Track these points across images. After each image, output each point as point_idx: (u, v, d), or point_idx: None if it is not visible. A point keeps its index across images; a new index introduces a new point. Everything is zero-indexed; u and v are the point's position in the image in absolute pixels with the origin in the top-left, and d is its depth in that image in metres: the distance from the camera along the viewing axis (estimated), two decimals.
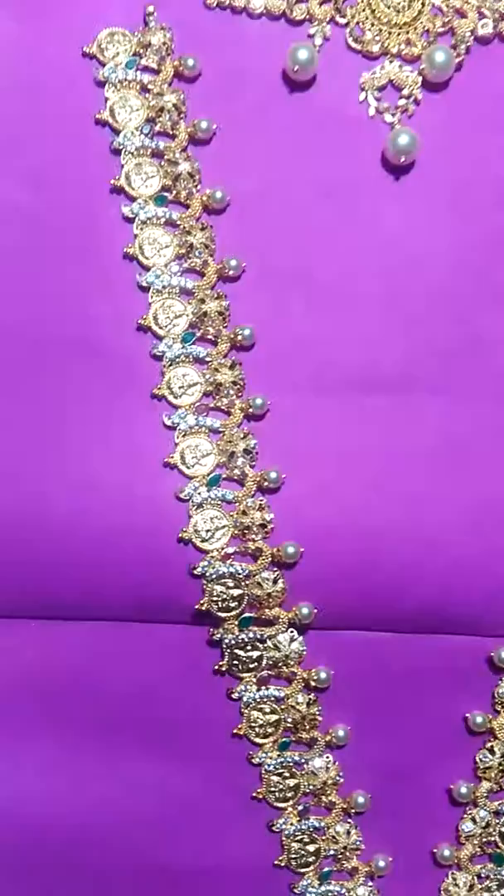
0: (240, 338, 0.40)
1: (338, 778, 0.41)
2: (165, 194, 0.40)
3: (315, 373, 0.40)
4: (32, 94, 0.40)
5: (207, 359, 0.40)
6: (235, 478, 0.40)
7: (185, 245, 0.40)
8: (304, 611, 0.39)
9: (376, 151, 0.40)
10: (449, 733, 0.42)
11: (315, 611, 0.40)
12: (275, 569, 0.39)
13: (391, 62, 0.40)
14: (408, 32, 0.40)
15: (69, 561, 0.39)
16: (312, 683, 0.40)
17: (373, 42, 0.40)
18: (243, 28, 0.40)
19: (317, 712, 0.40)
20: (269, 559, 0.39)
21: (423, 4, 0.40)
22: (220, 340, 0.40)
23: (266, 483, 0.39)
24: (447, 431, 0.40)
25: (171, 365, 0.40)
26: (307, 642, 0.40)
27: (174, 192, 0.40)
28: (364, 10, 0.40)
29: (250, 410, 0.39)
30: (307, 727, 0.41)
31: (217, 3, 0.40)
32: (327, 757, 0.41)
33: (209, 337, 0.40)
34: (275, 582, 0.39)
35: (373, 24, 0.40)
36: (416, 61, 0.40)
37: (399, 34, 0.40)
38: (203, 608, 0.39)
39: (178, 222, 0.40)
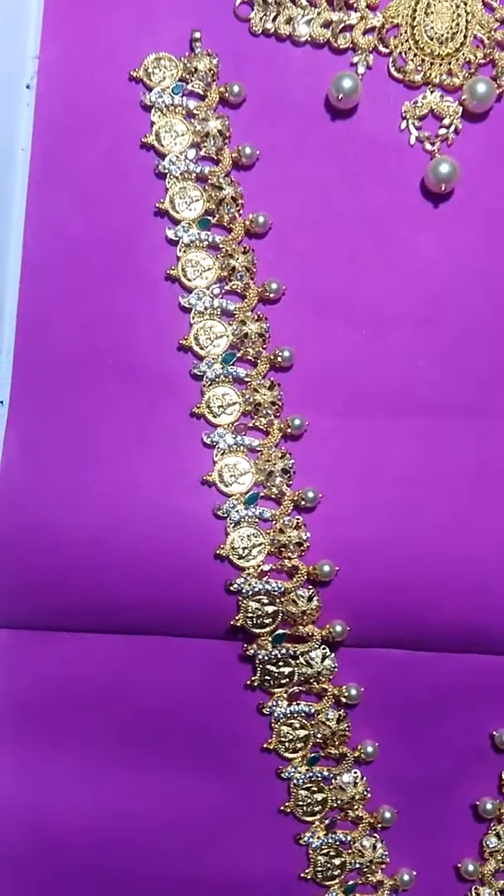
0: (279, 359, 0.39)
1: (365, 793, 0.41)
2: (209, 218, 0.40)
3: (352, 394, 0.40)
4: (80, 117, 0.40)
5: (247, 379, 0.40)
6: (273, 496, 0.39)
7: (226, 268, 0.40)
8: (338, 628, 0.39)
9: (415, 179, 0.40)
10: (475, 750, 0.41)
11: (348, 629, 0.39)
12: (310, 587, 0.39)
13: (433, 92, 0.40)
14: (450, 63, 0.40)
15: (106, 574, 0.39)
16: (343, 700, 0.40)
17: (415, 72, 0.40)
18: (288, 55, 0.40)
19: (346, 728, 0.40)
20: (305, 577, 0.39)
21: (465, 36, 0.40)
22: (259, 361, 0.40)
23: (303, 502, 0.39)
24: (481, 455, 0.40)
25: (210, 384, 0.40)
26: (338, 659, 0.40)
27: (217, 216, 0.40)
28: (407, 41, 0.40)
29: (288, 430, 0.39)
30: (336, 743, 0.40)
31: (262, 31, 0.40)
32: (355, 772, 0.41)
33: (249, 358, 0.40)
34: (310, 599, 0.39)
35: (415, 55, 0.40)
36: (457, 91, 0.40)
37: (441, 65, 0.40)
38: (238, 624, 0.39)
39: (221, 245, 0.40)
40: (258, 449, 0.39)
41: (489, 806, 0.40)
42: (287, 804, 0.41)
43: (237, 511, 0.39)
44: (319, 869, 0.41)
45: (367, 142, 0.40)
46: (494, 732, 0.40)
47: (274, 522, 0.39)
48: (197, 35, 0.39)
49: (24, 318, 0.40)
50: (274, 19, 0.40)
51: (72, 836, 0.41)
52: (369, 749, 0.40)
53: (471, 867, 0.41)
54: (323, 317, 0.40)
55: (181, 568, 0.39)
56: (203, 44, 0.39)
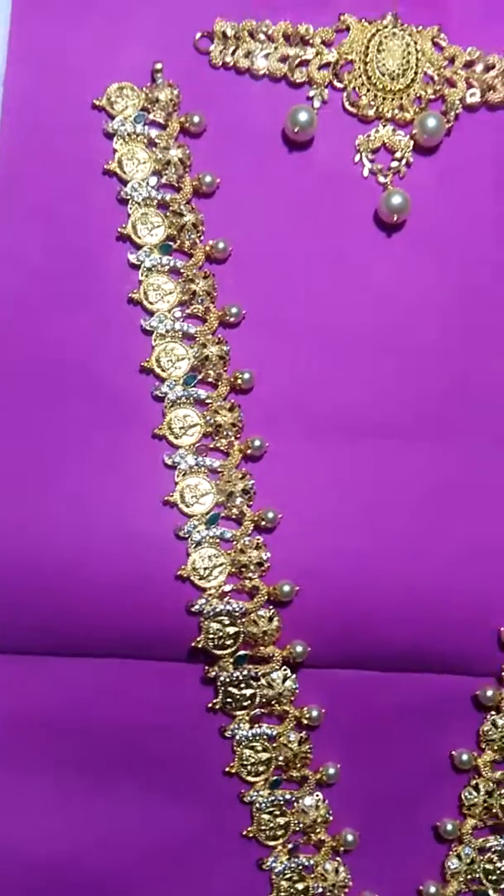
0: (239, 381, 0.38)
1: (328, 816, 0.39)
2: (170, 243, 0.39)
3: (311, 416, 0.39)
4: (44, 142, 0.39)
5: (208, 401, 0.38)
6: (233, 517, 0.38)
7: (187, 292, 0.38)
8: (298, 649, 0.37)
9: (369, 210, 0.40)
10: (435, 771, 0.40)
11: (309, 649, 0.37)
12: (270, 607, 0.37)
13: (385, 126, 0.40)
14: (401, 98, 0.40)
15: (66, 597, 0.37)
16: (304, 721, 0.38)
17: (368, 106, 0.40)
18: (246, 88, 0.40)
19: (308, 750, 0.38)
20: (266, 597, 0.37)
21: (415, 73, 0.39)
22: (220, 383, 0.38)
23: (263, 522, 0.38)
24: (436, 476, 0.39)
25: (172, 406, 0.38)
26: (299, 680, 0.38)
27: (178, 241, 0.39)
28: (360, 76, 0.40)
29: (249, 451, 0.38)
30: (298, 765, 0.38)
31: (222, 64, 0.39)
32: (317, 795, 0.39)
33: (210, 380, 0.39)
34: (270, 620, 0.37)
35: (368, 90, 0.40)
36: (408, 126, 0.40)
37: (393, 100, 0.40)
38: (200, 645, 0.37)
39: (182, 270, 0.39)
40: (219, 470, 0.38)
41: (449, 827, 0.39)
42: (250, 829, 0.38)
43: (198, 531, 0.37)
44: (283, 894, 0.38)
45: (323, 173, 0.39)
46: (453, 752, 0.39)
47: (235, 543, 0.37)
48: (158, 66, 0.38)
49: None
50: (233, 53, 0.39)
51: (33, 865, 0.38)
52: (331, 771, 0.39)
53: (432, 889, 0.39)
54: (283, 340, 0.39)
55: (143, 589, 0.37)
56: (164, 74, 0.38)
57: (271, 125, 0.39)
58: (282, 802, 0.38)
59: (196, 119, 0.38)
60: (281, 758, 0.38)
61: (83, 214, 0.38)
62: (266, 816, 0.38)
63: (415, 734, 0.39)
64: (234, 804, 0.39)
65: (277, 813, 0.38)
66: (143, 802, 0.39)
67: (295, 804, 0.39)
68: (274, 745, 0.38)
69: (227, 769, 0.38)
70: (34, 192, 0.38)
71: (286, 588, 0.37)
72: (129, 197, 0.38)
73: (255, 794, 0.38)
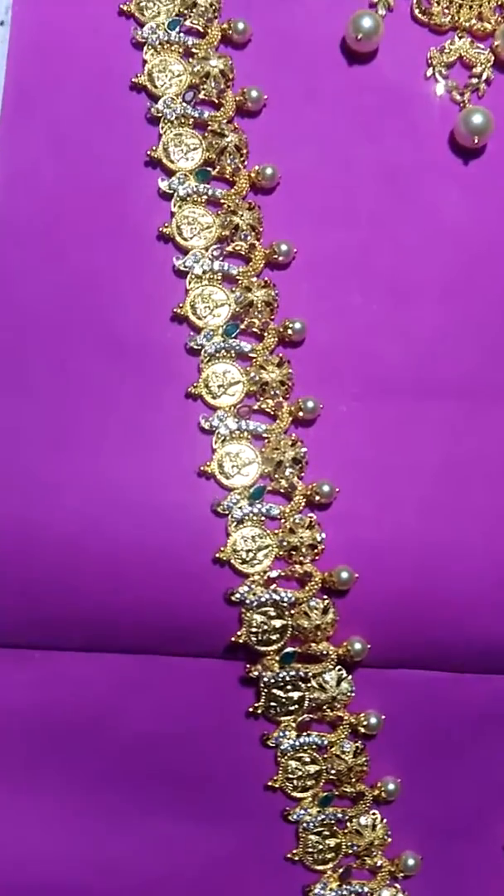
0: (289, 332, 0.31)
1: (385, 837, 0.32)
2: (208, 169, 0.32)
3: (371, 373, 0.32)
4: (61, 54, 0.32)
5: (252, 354, 0.31)
6: (282, 491, 0.31)
7: (229, 226, 0.31)
8: (357, 646, 0.31)
9: (443, 133, 0.33)
10: None
11: (368, 646, 0.31)
12: (324, 596, 0.31)
13: (461, 38, 0.33)
14: (480, 6, 0.33)
15: (85, 582, 0.31)
16: (361, 730, 0.32)
17: (441, 15, 0.33)
18: None
19: (364, 763, 0.31)
20: (319, 585, 0.30)
21: None
22: (266, 334, 0.31)
23: (317, 497, 0.31)
24: None
25: (209, 360, 0.31)
26: (355, 682, 0.31)
27: (218, 166, 0.32)
28: None
29: (300, 414, 0.31)
30: (353, 780, 0.32)
31: None
32: (374, 813, 0.32)
33: (254, 330, 0.32)
34: (325, 612, 0.30)
35: None
36: (488, 38, 0.33)
37: (471, 7, 0.33)
38: (240, 641, 0.30)
39: (222, 200, 0.32)
40: (265, 435, 0.31)
41: None
42: (295, 851, 0.32)
43: (240, 507, 0.31)
44: None
45: (388, 90, 0.33)
46: None
47: (283, 521, 0.31)
48: None
49: None
50: None
51: (49, 885, 0.32)
52: (390, 786, 0.32)
53: None
54: (338, 284, 0.32)
55: (174, 574, 0.30)
56: None
57: (328, 35, 0.33)
58: (333, 822, 0.32)
59: (240, 26, 0.32)
60: (333, 771, 0.32)
61: (106, 136, 0.32)
62: (314, 837, 0.32)
63: (489, 743, 0.33)
64: (278, 823, 0.33)
65: (327, 833, 0.32)
66: (169, 821, 0.33)
67: (348, 824, 0.32)
68: (325, 756, 0.32)
69: (269, 783, 0.32)
70: (48, 111, 0.31)
71: (344, 574, 0.30)
72: (160, 115, 0.32)
73: (302, 811, 0.32)
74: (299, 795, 0.32)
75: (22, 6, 0.32)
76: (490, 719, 0.33)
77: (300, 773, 0.32)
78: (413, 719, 0.33)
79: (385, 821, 0.33)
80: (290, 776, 0.32)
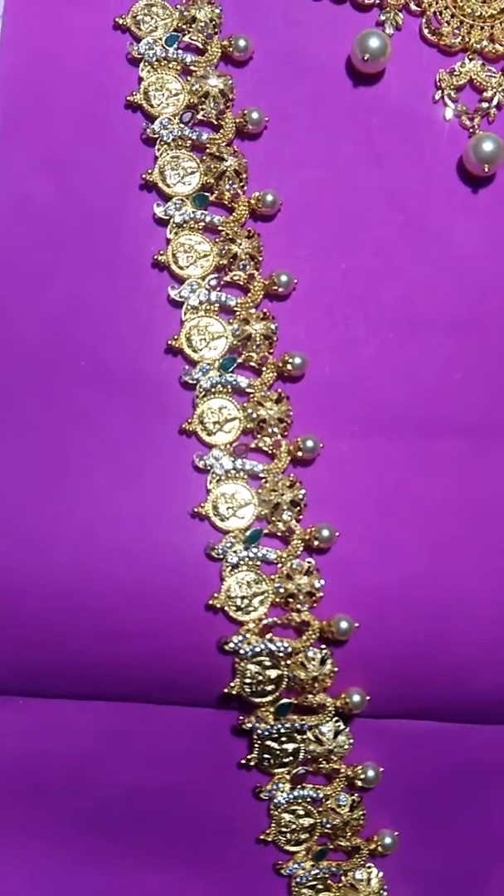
0: (289, 367, 0.29)
1: (382, 892, 0.30)
2: (206, 194, 0.29)
3: (375, 411, 0.29)
4: (53, 69, 0.29)
5: (249, 390, 0.29)
6: (279, 534, 0.28)
7: (226, 255, 0.29)
8: (356, 698, 0.28)
9: (452, 159, 0.30)
10: None
11: (368, 698, 0.28)
12: (322, 646, 0.28)
13: (472, 60, 0.30)
14: (492, 27, 0.30)
15: (74, 627, 0.28)
16: (357, 783, 0.29)
17: (452, 35, 0.30)
18: (304, 8, 0.30)
19: (361, 816, 0.29)
20: (317, 635, 0.28)
21: None
22: (264, 369, 0.29)
23: (315, 542, 0.28)
24: None
25: (205, 395, 0.29)
26: (352, 732, 0.29)
27: (216, 192, 0.29)
28: None
29: (299, 453, 0.28)
30: (348, 833, 0.29)
31: None
32: (370, 867, 0.30)
33: (252, 364, 0.29)
34: (322, 663, 0.28)
35: (453, 15, 0.30)
36: (500, 61, 0.30)
37: (483, 28, 0.30)
38: (233, 692, 0.27)
39: (220, 228, 0.29)
40: (262, 475, 0.28)
41: None
42: None
43: (235, 551, 0.28)
44: None
45: (395, 113, 0.30)
46: None
47: (280, 566, 0.28)
48: None
49: None
50: None
51: None
52: (387, 840, 0.30)
53: None
54: (340, 317, 0.30)
55: (166, 621, 0.28)
56: None
57: (333, 54, 0.30)
58: (327, 876, 0.30)
59: (241, 43, 0.29)
60: (328, 824, 0.29)
61: (100, 157, 0.29)
62: (307, 892, 0.30)
63: (487, 796, 0.31)
64: (269, 877, 0.30)
65: (321, 888, 0.31)
66: (159, 872, 0.30)
67: (343, 878, 0.30)
68: (319, 809, 0.29)
69: (262, 836, 0.29)
70: (42, 129, 0.29)
71: (343, 624, 0.28)
72: (156, 136, 0.29)
73: (295, 865, 0.30)
74: (292, 849, 0.30)
75: (13, 17, 0.30)
76: (491, 770, 0.31)
77: (294, 826, 0.30)
78: (412, 770, 0.31)
79: (381, 874, 0.31)
80: (284, 829, 0.30)
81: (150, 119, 0.30)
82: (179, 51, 0.30)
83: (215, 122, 0.30)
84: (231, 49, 0.30)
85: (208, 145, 0.30)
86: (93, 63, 0.30)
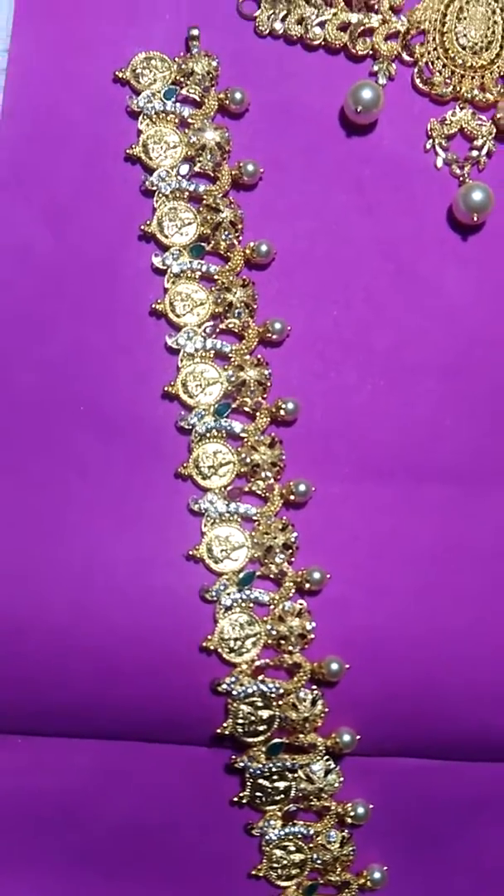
0: (282, 412, 0.29)
1: None
2: (203, 244, 0.30)
3: (366, 456, 0.30)
4: (54, 121, 0.30)
5: (243, 435, 0.29)
6: (271, 576, 0.29)
7: (222, 303, 0.29)
8: (346, 738, 0.28)
9: (442, 207, 0.30)
10: (498, 873, 0.30)
11: (358, 738, 0.28)
12: (314, 687, 0.28)
13: (463, 108, 0.31)
14: (482, 77, 0.30)
15: (70, 667, 0.29)
16: (348, 820, 0.29)
17: (443, 85, 0.30)
18: (298, 61, 0.30)
19: (350, 852, 0.29)
20: (308, 676, 0.28)
21: (500, 46, 0.30)
22: (258, 414, 0.29)
23: (307, 584, 0.29)
24: None
25: (200, 440, 0.29)
26: (343, 770, 0.29)
27: (213, 242, 0.30)
28: (435, 49, 0.30)
29: (291, 497, 0.29)
30: (338, 869, 0.29)
31: (270, 31, 0.30)
32: None
33: (246, 409, 0.30)
34: (313, 703, 0.28)
35: (444, 65, 0.30)
36: (490, 109, 0.30)
37: (473, 78, 0.30)
38: (226, 731, 0.28)
39: (216, 277, 0.30)
40: (255, 518, 0.29)
41: None
42: None
43: (229, 593, 0.28)
44: None
45: (387, 162, 0.30)
46: None
47: (272, 608, 0.28)
48: (195, 32, 0.29)
49: None
50: (283, 19, 0.30)
51: None
52: (376, 875, 0.30)
53: None
54: (333, 363, 0.30)
55: (160, 661, 0.28)
56: (201, 43, 0.29)
57: (327, 105, 0.31)
58: None
59: (238, 96, 0.30)
60: (318, 860, 0.29)
61: (100, 208, 0.30)
62: None
63: (476, 832, 0.31)
64: None
65: None
66: None
67: None
68: (310, 845, 0.29)
69: (253, 871, 0.29)
70: (41, 182, 0.29)
71: (334, 666, 0.28)
72: (154, 188, 0.29)
73: None
74: (284, 884, 0.30)
75: (17, 70, 0.30)
76: (479, 807, 0.31)
77: (285, 861, 0.30)
78: (401, 807, 0.31)
79: None
80: (275, 865, 0.30)
81: (149, 171, 0.30)
82: (177, 104, 0.30)
83: (212, 174, 0.30)
84: (227, 102, 0.30)
85: (205, 197, 0.30)
86: (93, 115, 0.30)
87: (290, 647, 0.29)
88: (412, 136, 0.31)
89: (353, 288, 0.30)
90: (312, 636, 0.29)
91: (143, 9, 0.30)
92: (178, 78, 0.30)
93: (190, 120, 0.30)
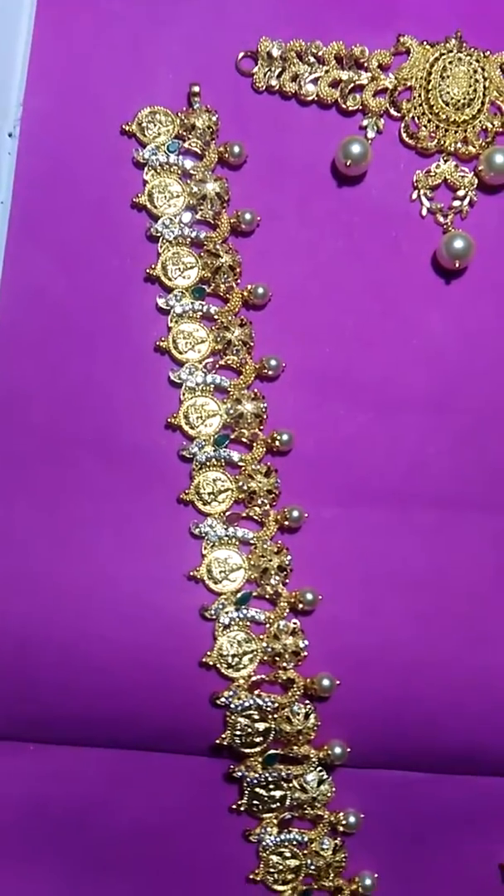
0: (277, 442, 0.31)
1: None
2: (203, 287, 0.32)
3: (356, 483, 0.31)
4: (66, 171, 0.32)
5: (241, 463, 0.31)
6: (267, 597, 0.30)
7: (222, 341, 0.31)
8: (337, 750, 0.30)
9: (427, 253, 0.32)
10: (483, 882, 0.32)
11: (348, 750, 0.30)
12: (307, 702, 0.30)
13: (446, 161, 0.32)
14: (465, 131, 0.32)
15: (77, 681, 0.30)
16: (340, 828, 0.30)
17: (428, 139, 0.32)
18: (292, 115, 0.32)
19: (342, 859, 0.31)
20: (301, 691, 0.30)
21: (482, 103, 0.32)
22: (255, 444, 0.31)
23: (300, 604, 0.30)
24: (499, 555, 0.31)
25: (200, 468, 0.31)
26: (335, 780, 0.30)
27: (213, 285, 0.31)
28: (421, 105, 0.32)
29: (285, 522, 0.30)
30: (331, 875, 0.31)
31: (266, 88, 0.32)
32: None
33: (244, 440, 0.31)
34: (306, 717, 0.30)
35: (429, 120, 0.32)
36: (472, 161, 0.32)
37: (456, 132, 0.32)
38: (224, 742, 0.29)
39: (216, 317, 0.31)
40: (252, 542, 0.30)
41: None
42: None
43: (227, 613, 0.30)
44: None
45: (376, 211, 0.32)
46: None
47: (268, 627, 0.30)
48: (196, 89, 0.31)
49: None
50: (279, 76, 0.32)
51: None
52: (367, 881, 0.31)
53: None
54: (325, 397, 0.31)
55: (162, 676, 0.30)
56: (202, 99, 0.31)
57: (319, 157, 0.32)
58: None
59: (236, 149, 0.31)
60: (312, 866, 0.31)
61: (107, 253, 0.31)
62: None
63: (463, 841, 0.32)
64: None
65: None
66: None
67: None
68: (305, 851, 0.31)
69: (251, 876, 0.31)
70: (52, 228, 0.31)
71: (325, 682, 0.29)
72: (159, 234, 0.31)
73: None
74: (280, 888, 0.32)
75: (29, 125, 0.32)
76: (467, 819, 0.32)
77: (281, 867, 0.31)
78: (392, 817, 0.32)
79: None
80: (272, 870, 0.31)
81: (154, 219, 0.32)
82: (180, 156, 0.32)
83: (212, 222, 0.32)
84: (227, 154, 0.32)
85: (206, 243, 0.32)
86: (101, 167, 0.32)
87: (285, 664, 0.30)
88: (399, 187, 0.33)
89: (344, 327, 0.32)
90: (305, 653, 0.30)
91: (148, 66, 0.32)
92: (180, 132, 0.32)
93: (192, 171, 0.32)
